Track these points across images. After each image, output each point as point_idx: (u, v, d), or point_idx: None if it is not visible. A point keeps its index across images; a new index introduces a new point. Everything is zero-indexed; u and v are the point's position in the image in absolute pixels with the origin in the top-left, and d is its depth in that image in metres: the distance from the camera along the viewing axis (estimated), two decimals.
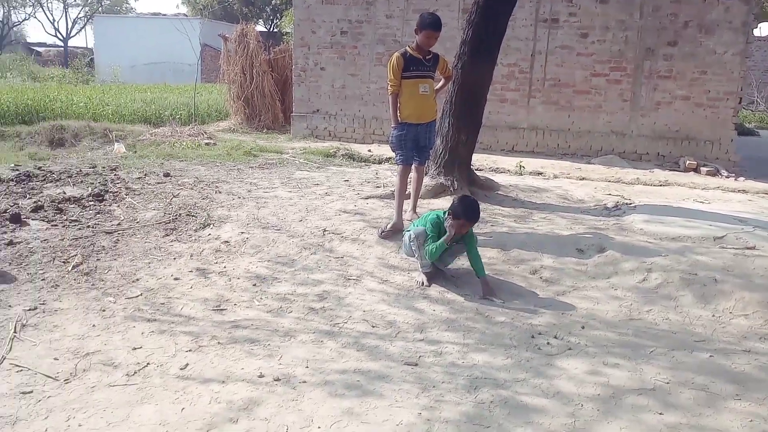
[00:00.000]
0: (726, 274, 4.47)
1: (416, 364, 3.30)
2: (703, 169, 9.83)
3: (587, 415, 2.83)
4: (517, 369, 3.27)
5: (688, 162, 10.04)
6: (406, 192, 5.88)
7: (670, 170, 9.97)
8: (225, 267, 4.62)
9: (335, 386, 3.04)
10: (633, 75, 10.61)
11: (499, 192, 7.15)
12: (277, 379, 3.08)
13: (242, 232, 5.24)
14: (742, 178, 9.46)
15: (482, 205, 6.46)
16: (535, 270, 4.83)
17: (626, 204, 6.98)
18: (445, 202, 6.37)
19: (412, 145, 5.45)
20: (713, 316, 4.09)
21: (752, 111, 21.88)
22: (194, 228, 5.40)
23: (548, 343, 3.60)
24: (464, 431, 2.68)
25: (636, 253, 4.93)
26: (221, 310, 3.92)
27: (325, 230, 5.37)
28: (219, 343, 3.45)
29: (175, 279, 4.35)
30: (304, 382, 3.07)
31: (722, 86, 10.33)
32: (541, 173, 9.21)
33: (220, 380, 3.06)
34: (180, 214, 5.74)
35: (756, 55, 22.69)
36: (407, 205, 5.76)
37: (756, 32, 12.50)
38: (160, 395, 2.91)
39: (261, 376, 3.11)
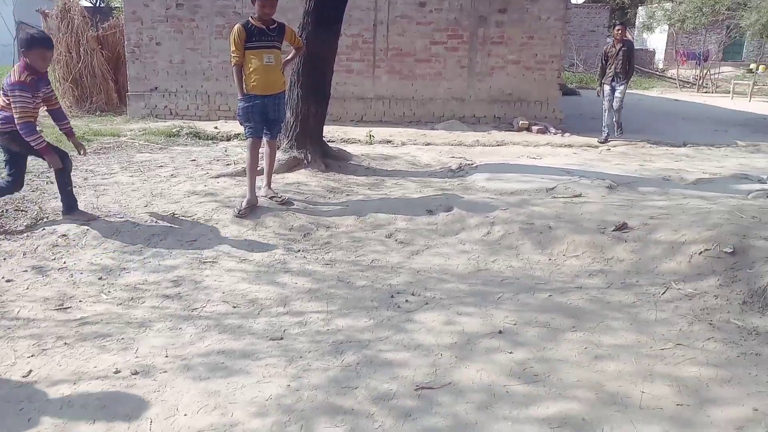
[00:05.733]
0: (558, 221, 4.92)
1: (281, 338, 3.30)
2: (534, 128, 10.67)
3: (446, 363, 3.02)
4: (380, 328, 3.39)
5: (521, 122, 10.83)
6: (259, 168, 5.78)
7: (506, 131, 10.70)
8: (65, 262, 4.27)
9: (198, 371, 2.96)
10: (469, 42, 11.17)
11: (352, 162, 7.26)
12: (135, 373, 2.93)
13: (81, 224, 4.86)
14: (567, 134, 10.40)
15: (337, 176, 6.56)
16: (391, 233, 5.00)
17: (468, 165, 7.41)
18: (300, 176, 6.35)
19: (260, 117, 5.33)
20: (549, 259, 4.50)
21: (573, 72, 23.99)
22: (25, 223, 4.92)
23: (407, 301, 3.76)
24: (333, 394, 2.75)
25: (480, 209, 5.27)
26: (65, 308, 3.63)
27: (174, 213, 5.14)
28: (66, 343, 3.20)
29: (8, 281, 3.95)
30: (165, 371, 2.95)
31: (547, 50, 11.21)
32: (390, 141, 9.47)
33: (71, 382, 2.85)
34: (6, 209, 5.19)
35: (573, 20, 24.78)
36: (261, 180, 5.67)
37: None
38: (1, 408, 2.66)
39: (117, 371, 2.94)
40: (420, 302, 3.74)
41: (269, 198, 5.47)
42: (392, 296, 3.83)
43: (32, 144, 4.55)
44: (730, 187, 6.36)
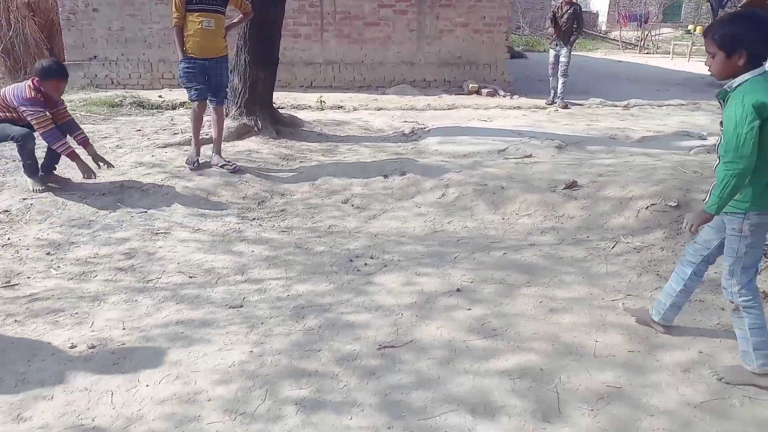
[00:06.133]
0: (510, 182, 5.00)
1: (241, 306, 3.28)
2: (484, 91, 10.74)
3: (407, 322, 3.06)
4: (340, 292, 3.41)
5: (470, 85, 10.87)
6: (207, 135, 5.69)
7: (456, 94, 10.74)
8: (9, 238, 4.10)
9: (158, 341, 2.92)
10: (417, 5, 11.07)
11: (304, 128, 7.18)
12: (93, 347, 2.87)
13: (24, 199, 4.68)
14: (516, 96, 10.51)
15: (289, 143, 6.48)
16: (347, 199, 4.99)
17: (421, 129, 7.42)
18: (251, 144, 6.25)
19: (202, 79, 5.28)
20: (503, 219, 4.59)
21: (519, 35, 24.13)
22: None
23: (366, 264, 3.78)
24: (296, 358, 2.76)
25: (434, 173, 5.30)
26: (13, 285, 3.50)
27: (122, 185, 4.99)
28: (16, 320, 3.10)
29: None
30: (123, 344, 2.90)
31: (495, 12, 11.22)
32: (341, 107, 9.37)
33: (24, 360, 2.77)
34: None
35: None
36: (209, 149, 5.56)
37: None
38: None
39: (73, 346, 2.87)
40: (379, 265, 3.77)
41: (220, 167, 5.37)
42: (351, 260, 3.85)
43: (59, 151, 4.70)
44: (673, 144, 6.59)
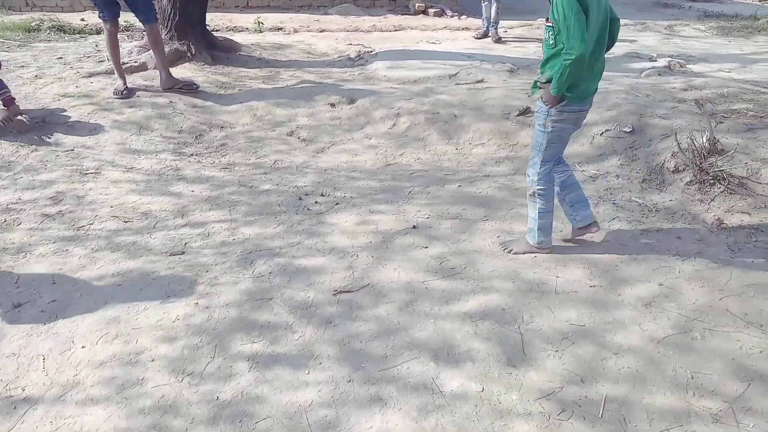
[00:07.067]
0: (463, 109, 4.81)
1: (183, 252, 3.05)
2: (431, 11, 10.30)
3: (363, 264, 2.91)
4: (290, 234, 3.21)
5: (417, 4, 10.41)
6: (137, 63, 5.25)
7: (402, 14, 10.27)
8: None
9: (93, 296, 2.68)
10: None
11: (242, 53, 6.71)
12: (18, 305, 2.61)
13: None
14: (464, 17, 10.13)
15: (226, 69, 6.05)
16: (293, 131, 4.71)
17: (368, 52, 7.05)
18: (184, 71, 5.79)
19: None
20: (456, 149, 4.43)
21: None
22: None
23: (316, 202, 3.58)
24: (247, 308, 2.58)
25: (384, 101, 5.05)
26: None
27: (44, 120, 4.55)
28: None
29: None
30: (54, 301, 2.65)
31: None
32: (281, 29, 8.83)
33: None
34: None
35: None
36: (139, 77, 5.13)
37: None
38: None
39: None
40: (330, 203, 3.57)
41: (177, 89, 5.11)
42: (300, 198, 3.63)
43: None
44: (624, 65, 6.48)
